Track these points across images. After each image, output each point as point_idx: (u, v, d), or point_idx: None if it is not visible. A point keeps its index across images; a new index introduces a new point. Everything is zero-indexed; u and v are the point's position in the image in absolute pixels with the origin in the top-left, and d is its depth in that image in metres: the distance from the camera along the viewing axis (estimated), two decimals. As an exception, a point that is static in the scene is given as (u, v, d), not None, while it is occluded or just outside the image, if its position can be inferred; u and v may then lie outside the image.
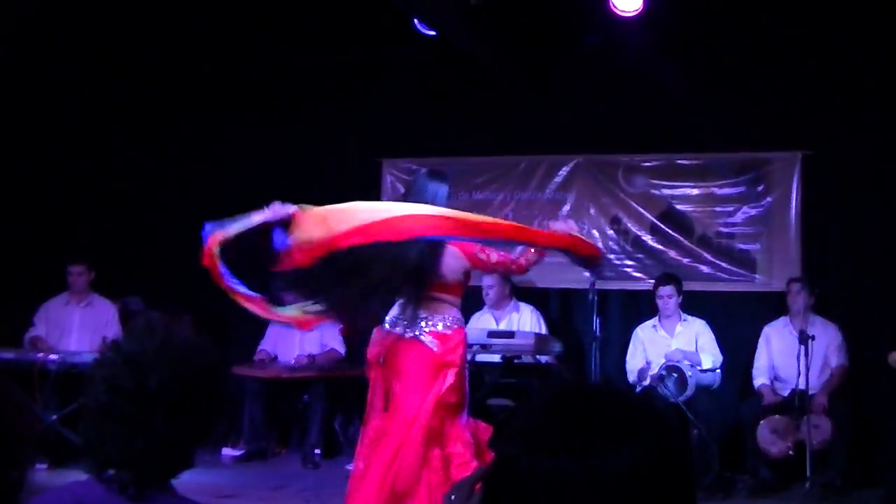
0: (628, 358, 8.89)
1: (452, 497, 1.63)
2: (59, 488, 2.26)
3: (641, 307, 9.25)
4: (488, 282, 9.07)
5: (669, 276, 8.87)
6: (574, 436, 1.29)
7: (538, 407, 1.38)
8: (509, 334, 8.31)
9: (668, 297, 8.69)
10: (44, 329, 9.43)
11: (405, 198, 6.05)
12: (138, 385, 2.20)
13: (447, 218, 5.40)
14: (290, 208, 5.36)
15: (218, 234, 5.35)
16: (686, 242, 9.32)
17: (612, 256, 9.47)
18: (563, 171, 9.67)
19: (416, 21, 8.88)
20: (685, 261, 9.29)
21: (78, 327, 9.46)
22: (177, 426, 2.22)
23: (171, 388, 2.21)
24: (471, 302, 8.56)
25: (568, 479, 1.26)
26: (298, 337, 9.67)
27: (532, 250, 5.80)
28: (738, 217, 9.22)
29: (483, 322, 9.07)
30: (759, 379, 8.56)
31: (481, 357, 8.45)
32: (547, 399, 1.39)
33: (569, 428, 1.31)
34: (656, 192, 9.44)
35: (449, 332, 5.72)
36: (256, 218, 5.40)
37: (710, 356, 8.56)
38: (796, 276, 8.68)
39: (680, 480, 1.32)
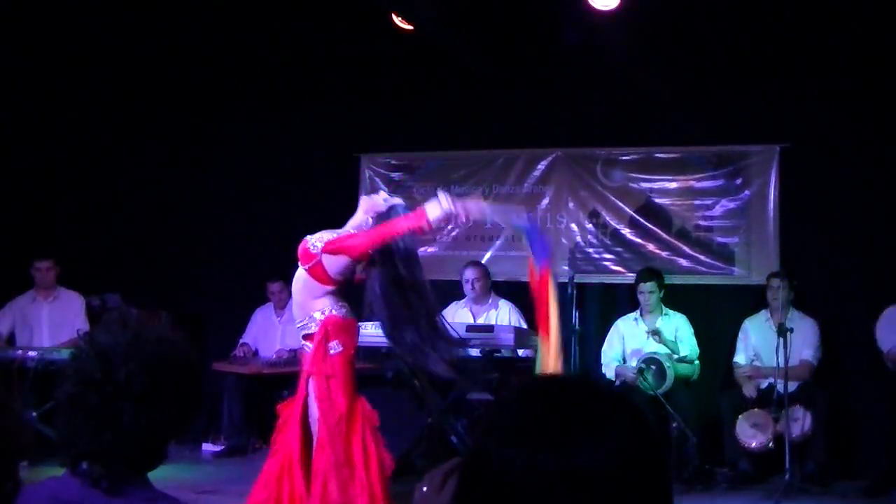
0: (604, 349, 8.88)
1: (424, 488, 1.63)
2: (36, 484, 2.25)
3: (620, 300, 9.26)
4: (472, 274, 9.02)
5: (652, 271, 8.83)
6: (550, 430, 1.28)
7: (515, 400, 1.37)
8: (488, 328, 8.27)
9: (648, 293, 8.67)
10: (9, 326, 9.36)
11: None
12: (107, 377, 2.19)
13: None
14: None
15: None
16: (664, 236, 9.33)
17: (590, 250, 9.51)
18: (542, 165, 9.68)
19: (393, 16, 8.86)
20: (664, 254, 9.30)
21: (47, 322, 9.37)
22: (146, 420, 2.21)
23: (139, 381, 2.20)
24: (446, 294, 8.55)
25: (543, 473, 1.25)
26: (280, 332, 9.66)
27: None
28: (717, 210, 9.24)
29: (460, 317, 9.02)
30: (739, 364, 8.61)
31: (460, 352, 8.42)
32: (524, 392, 1.38)
33: (545, 422, 1.29)
34: (635, 185, 9.45)
35: None
36: None
37: (687, 347, 8.58)
38: (775, 268, 8.70)
39: (656, 475, 1.32)
